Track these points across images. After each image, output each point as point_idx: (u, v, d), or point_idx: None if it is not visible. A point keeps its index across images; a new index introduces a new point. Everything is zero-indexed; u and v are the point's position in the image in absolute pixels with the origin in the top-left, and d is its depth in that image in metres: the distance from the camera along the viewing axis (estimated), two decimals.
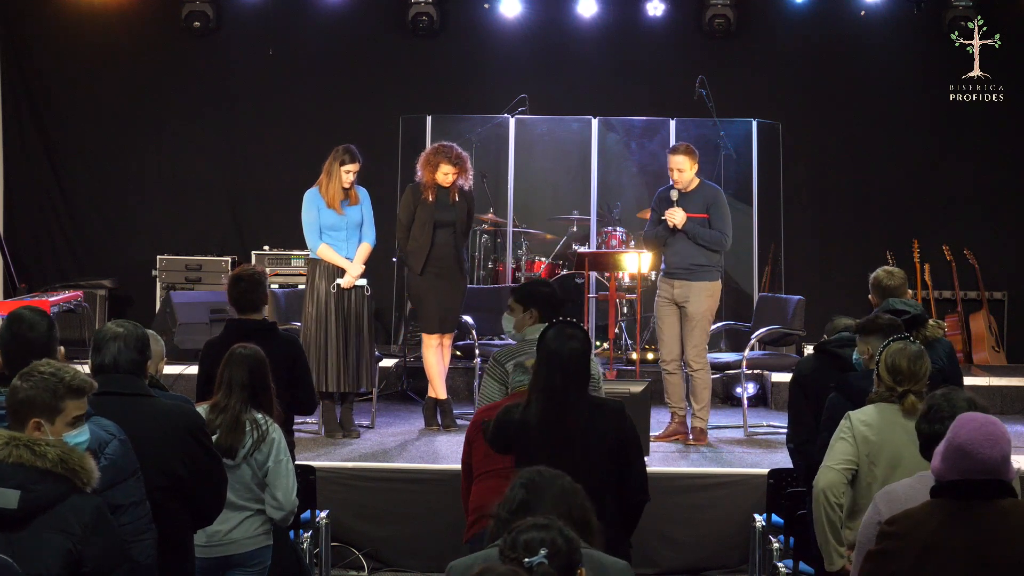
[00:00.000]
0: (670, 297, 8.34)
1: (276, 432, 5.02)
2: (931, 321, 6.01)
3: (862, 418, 4.82)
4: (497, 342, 9.39)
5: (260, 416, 5.02)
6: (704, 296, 8.26)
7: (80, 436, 3.71)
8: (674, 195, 8.31)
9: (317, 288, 8.33)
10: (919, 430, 4.18)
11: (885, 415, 4.80)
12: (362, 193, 8.50)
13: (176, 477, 4.29)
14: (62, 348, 4.55)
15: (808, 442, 5.67)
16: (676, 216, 8.25)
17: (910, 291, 6.87)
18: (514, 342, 6.05)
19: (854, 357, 5.56)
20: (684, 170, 8.25)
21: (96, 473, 3.57)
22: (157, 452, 4.21)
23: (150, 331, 4.98)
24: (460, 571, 3.41)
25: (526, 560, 2.98)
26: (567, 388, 4.66)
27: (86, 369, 4.14)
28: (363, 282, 8.40)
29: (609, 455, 4.62)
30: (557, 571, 2.98)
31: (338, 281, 8.30)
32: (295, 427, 7.49)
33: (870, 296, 6.43)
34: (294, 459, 6.08)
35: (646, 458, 7.38)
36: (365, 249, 8.46)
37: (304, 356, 6.30)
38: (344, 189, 8.35)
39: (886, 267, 6.54)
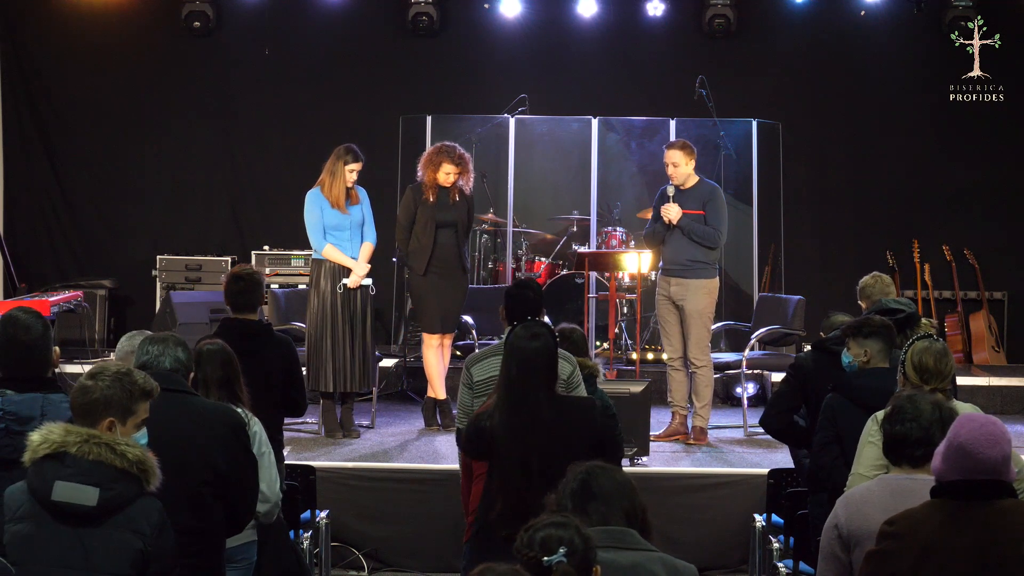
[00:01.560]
0: (668, 295, 8.36)
1: (256, 425, 5.02)
2: (924, 320, 6.03)
3: None
4: (496, 342, 9.38)
5: (240, 410, 5.02)
6: (702, 294, 8.27)
7: (143, 438, 3.74)
8: (670, 191, 8.32)
9: (322, 288, 8.32)
10: (882, 430, 4.19)
11: None
12: (361, 193, 8.51)
13: (219, 474, 4.30)
14: (57, 349, 4.55)
15: (782, 431, 6.07)
16: (671, 212, 8.25)
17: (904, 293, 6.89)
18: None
19: (845, 360, 5.55)
20: (679, 165, 8.26)
21: (160, 475, 3.61)
22: (202, 447, 4.23)
23: (148, 332, 4.98)
24: None
25: (545, 559, 2.95)
26: (530, 386, 4.63)
27: (86, 369, 4.14)
28: (368, 282, 8.40)
29: (585, 454, 4.59)
30: (575, 569, 2.96)
31: (344, 281, 8.30)
32: (291, 426, 7.50)
33: (860, 302, 6.44)
34: (283, 458, 6.10)
35: (645, 458, 7.47)
36: (368, 248, 8.47)
37: (298, 357, 6.28)
38: (346, 188, 8.36)
39: (873, 273, 6.58)
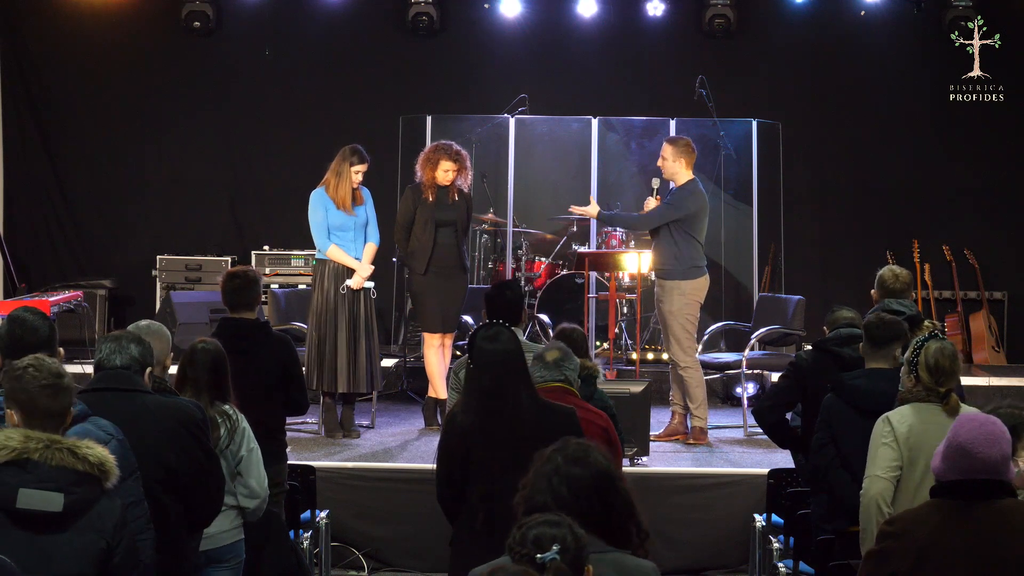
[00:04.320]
0: (655, 296, 8.46)
1: (244, 421, 5.02)
2: (926, 323, 6.02)
3: (900, 419, 4.76)
4: None
5: (228, 407, 5.01)
6: (675, 295, 8.26)
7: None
8: (655, 183, 8.45)
9: (326, 289, 8.32)
10: None
11: (923, 415, 4.74)
12: (365, 193, 8.51)
13: (171, 470, 4.29)
14: (62, 350, 4.54)
15: (779, 424, 6.05)
16: (589, 209, 8.52)
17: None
18: None
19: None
20: (666, 159, 8.33)
21: (117, 472, 3.61)
22: (151, 445, 4.21)
23: (155, 323, 4.96)
24: None
25: (537, 556, 2.96)
26: (498, 389, 4.60)
27: (86, 369, 4.14)
28: (371, 284, 8.40)
29: None
30: (568, 567, 2.96)
31: (347, 282, 8.30)
32: (291, 426, 7.50)
33: (872, 292, 6.41)
34: (287, 457, 6.10)
35: (645, 458, 7.48)
36: (372, 249, 8.47)
37: (297, 356, 6.28)
38: (352, 189, 8.36)
39: (894, 268, 6.45)
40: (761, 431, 8.80)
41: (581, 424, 4.66)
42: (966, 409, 4.77)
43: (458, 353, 9.33)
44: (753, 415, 6.34)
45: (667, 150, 8.31)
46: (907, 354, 4.93)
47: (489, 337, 4.66)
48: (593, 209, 8.59)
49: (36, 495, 3.47)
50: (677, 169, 8.30)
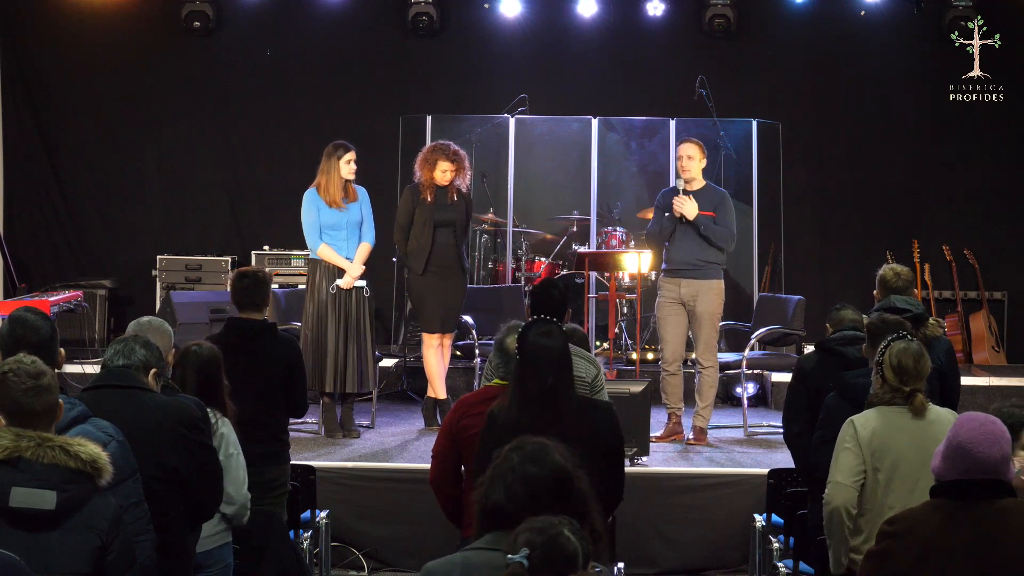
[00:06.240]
0: (676, 297, 8.24)
1: (225, 427, 4.99)
2: (931, 320, 6.00)
3: (864, 423, 4.74)
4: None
5: (208, 411, 4.99)
6: (713, 295, 8.20)
7: None
8: (680, 184, 8.23)
9: (318, 288, 8.33)
10: None
11: (888, 418, 4.72)
12: (360, 192, 8.51)
13: (170, 468, 4.30)
14: (63, 351, 4.54)
15: (801, 435, 5.72)
16: (687, 206, 8.11)
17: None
18: None
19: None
20: (693, 158, 8.18)
21: (111, 470, 3.62)
22: (149, 444, 4.21)
23: (157, 319, 4.95)
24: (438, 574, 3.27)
25: (508, 556, 2.91)
26: (556, 386, 4.58)
27: (86, 369, 4.13)
28: (362, 283, 8.40)
29: (601, 456, 4.54)
30: (528, 572, 2.90)
31: (337, 282, 8.30)
32: (291, 426, 7.50)
33: (875, 292, 6.40)
34: (289, 459, 6.09)
35: (645, 458, 7.47)
36: (365, 249, 8.46)
37: (301, 358, 6.28)
38: (347, 181, 8.34)
39: (894, 266, 6.36)
40: (761, 431, 8.86)
41: None
42: (933, 409, 4.75)
43: (458, 353, 9.35)
44: (787, 443, 6.18)
45: (693, 149, 8.19)
46: (875, 355, 4.88)
47: (544, 333, 4.60)
48: (692, 211, 8.14)
49: (29, 493, 3.48)
50: (701, 170, 8.26)
